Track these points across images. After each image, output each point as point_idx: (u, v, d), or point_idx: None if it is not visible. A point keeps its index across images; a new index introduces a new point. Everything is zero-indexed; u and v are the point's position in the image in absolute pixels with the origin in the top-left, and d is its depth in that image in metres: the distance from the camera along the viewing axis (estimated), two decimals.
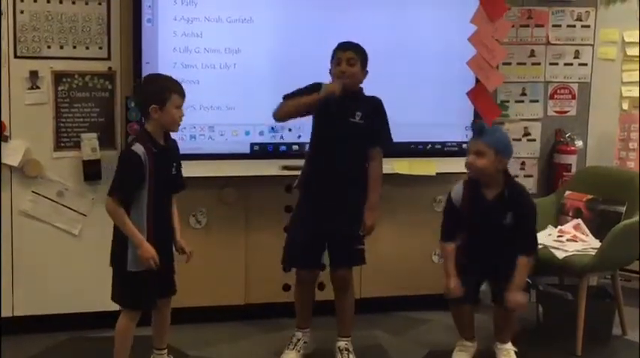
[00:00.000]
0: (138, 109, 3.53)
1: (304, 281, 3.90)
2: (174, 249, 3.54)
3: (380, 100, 3.84)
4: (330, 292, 4.02)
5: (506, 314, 3.79)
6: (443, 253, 3.88)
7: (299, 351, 3.92)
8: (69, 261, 4.15)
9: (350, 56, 3.73)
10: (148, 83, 3.52)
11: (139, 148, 3.37)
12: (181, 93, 3.45)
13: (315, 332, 4.06)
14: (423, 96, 4.45)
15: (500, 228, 3.71)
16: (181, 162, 3.56)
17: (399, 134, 4.41)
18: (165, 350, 3.69)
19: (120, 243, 3.40)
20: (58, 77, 4.05)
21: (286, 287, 4.36)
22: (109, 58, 4.11)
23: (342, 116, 3.74)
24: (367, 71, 3.80)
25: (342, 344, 3.96)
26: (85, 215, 4.15)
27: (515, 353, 3.91)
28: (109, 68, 4.12)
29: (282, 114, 3.81)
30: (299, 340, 3.93)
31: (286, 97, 3.80)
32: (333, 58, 3.78)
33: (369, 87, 4.30)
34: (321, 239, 3.81)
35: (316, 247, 3.82)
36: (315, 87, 3.76)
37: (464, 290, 3.76)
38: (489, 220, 3.73)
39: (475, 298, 3.91)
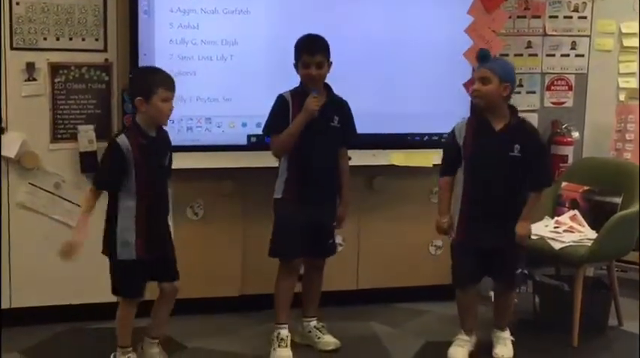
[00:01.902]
0: (129, 102, 3.56)
1: (294, 271, 3.93)
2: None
3: (347, 102, 3.93)
4: (332, 281, 4.14)
5: (505, 293, 3.86)
6: (439, 187, 3.92)
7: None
8: None
9: (319, 60, 3.76)
10: (136, 76, 3.56)
11: (122, 140, 3.42)
12: (169, 87, 3.45)
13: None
14: (419, 87, 4.44)
15: (506, 160, 3.69)
16: (172, 152, 3.62)
17: (395, 125, 4.43)
18: (157, 341, 3.68)
19: (109, 233, 3.46)
20: (55, 69, 4.04)
21: None
22: (105, 50, 4.10)
23: (325, 122, 3.82)
24: (331, 62, 3.82)
25: (315, 322, 4.02)
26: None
27: (513, 342, 3.93)
28: (106, 60, 4.11)
29: (283, 152, 3.86)
30: (287, 336, 3.89)
31: (270, 130, 3.86)
32: (298, 56, 3.79)
33: (367, 78, 4.33)
34: (307, 228, 3.85)
35: (306, 236, 3.87)
36: (283, 104, 3.81)
37: (468, 270, 3.79)
38: (497, 150, 3.71)
39: (479, 278, 3.87)
